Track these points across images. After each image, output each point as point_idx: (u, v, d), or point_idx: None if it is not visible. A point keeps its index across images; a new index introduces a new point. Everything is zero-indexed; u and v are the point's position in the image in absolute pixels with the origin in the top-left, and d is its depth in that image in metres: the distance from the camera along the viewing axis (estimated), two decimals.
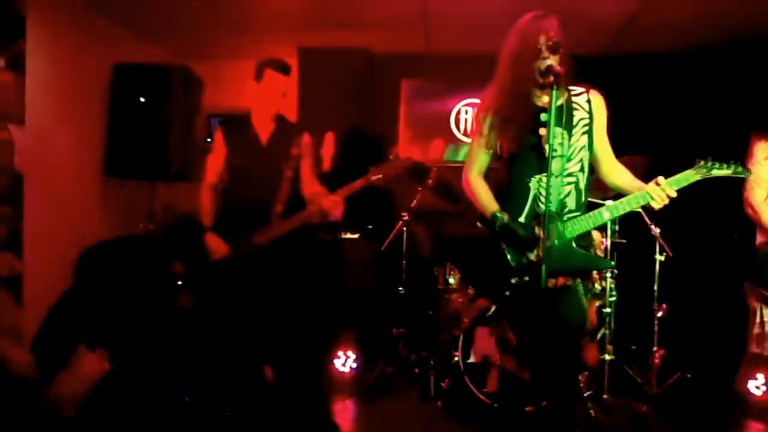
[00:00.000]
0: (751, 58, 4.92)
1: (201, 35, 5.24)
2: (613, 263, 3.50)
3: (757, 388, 3.65)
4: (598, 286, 3.57)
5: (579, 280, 2.44)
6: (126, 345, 3.58)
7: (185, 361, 3.41)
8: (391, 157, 3.18)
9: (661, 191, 2.29)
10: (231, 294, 3.12)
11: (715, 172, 2.32)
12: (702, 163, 2.32)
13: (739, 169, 2.33)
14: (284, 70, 3.21)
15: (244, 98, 3.43)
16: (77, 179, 4.46)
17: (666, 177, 2.34)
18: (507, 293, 2.42)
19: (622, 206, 2.39)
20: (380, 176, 3.13)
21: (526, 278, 2.34)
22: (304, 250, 4.26)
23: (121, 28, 4.85)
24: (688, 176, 2.33)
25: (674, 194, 2.31)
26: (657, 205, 2.32)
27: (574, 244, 2.38)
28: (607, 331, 3.76)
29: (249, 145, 3.25)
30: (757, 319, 2.95)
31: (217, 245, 3.16)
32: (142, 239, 4.52)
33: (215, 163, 3.30)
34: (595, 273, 2.68)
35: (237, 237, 3.16)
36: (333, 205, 3.10)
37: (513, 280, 2.39)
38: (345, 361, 4.17)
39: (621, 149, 2.64)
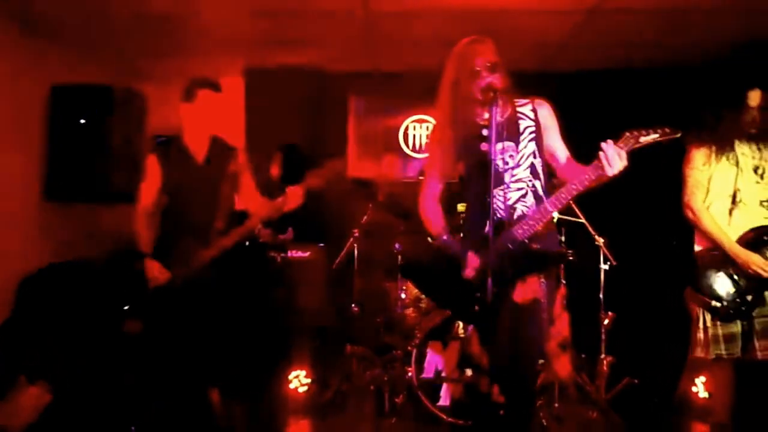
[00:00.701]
0: (685, 72, 5.14)
1: (146, 55, 5.16)
2: (567, 253, 3.53)
3: (700, 390, 3.77)
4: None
5: (543, 298, 2.47)
6: (69, 375, 3.46)
7: (130, 388, 3.32)
8: (325, 162, 3.18)
9: (609, 152, 2.22)
10: (175, 318, 3.06)
11: (644, 140, 2.27)
12: (628, 134, 2.28)
13: (667, 130, 2.28)
14: (216, 87, 3.19)
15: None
16: (16, 204, 4.30)
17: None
18: (476, 308, 2.44)
19: (564, 194, 2.34)
20: (317, 180, 3.12)
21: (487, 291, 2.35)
22: (253, 269, 4.23)
23: (62, 49, 4.73)
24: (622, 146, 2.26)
25: (623, 155, 2.24)
26: (609, 169, 2.23)
27: (529, 245, 2.42)
28: None
29: (185, 165, 3.22)
30: (700, 325, 3.02)
31: (156, 271, 3.11)
32: (84, 265, 4.39)
33: (150, 187, 3.25)
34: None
35: (178, 259, 3.12)
36: (294, 196, 3.09)
37: (478, 294, 2.42)
38: (299, 381, 4.12)
39: None
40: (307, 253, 4.62)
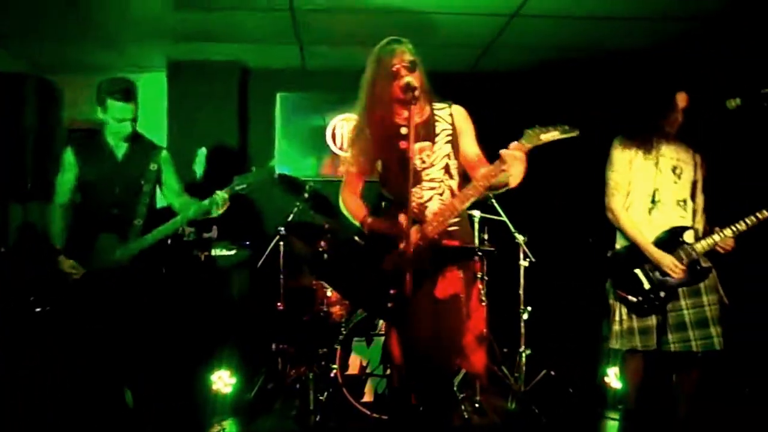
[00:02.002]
0: (609, 73, 5.36)
1: (62, 46, 4.95)
2: (478, 248, 3.62)
3: (612, 380, 3.95)
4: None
5: (463, 294, 2.53)
6: None
7: (44, 385, 3.18)
8: (254, 168, 3.16)
9: (508, 154, 2.29)
10: (88, 315, 2.97)
11: (544, 137, 2.34)
12: (529, 131, 2.35)
13: (566, 127, 2.35)
14: (125, 96, 3.07)
15: None
16: None
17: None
18: (390, 304, 2.47)
19: (471, 190, 2.40)
20: (244, 186, 3.10)
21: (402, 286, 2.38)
22: (177, 267, 4.13)
23: None
24: (523, 145, 2.33)
25: (523, 157, 2.30)
26: (509, 170, 2.28)
27: (440, 241, 2.46)
28: None
29: (104, 161, 3.14)
30: (616, 318, 3.16)
31: (69, 269, 3.00)
32: None
33: (65, 182, 3.16)
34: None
35: (95, 256, 3.03)
36: (223, 203, 3.07)
37: (392, 291, 2.45)
38: (222, 380, 4.06)
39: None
40: (232, 252, 4.56)
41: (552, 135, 2.35)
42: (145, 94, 3.42)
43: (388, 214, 2.58)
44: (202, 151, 4.59)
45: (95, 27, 4.53)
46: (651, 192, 3.09)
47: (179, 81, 5.34)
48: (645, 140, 3.10)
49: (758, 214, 2.94)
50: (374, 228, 2.56)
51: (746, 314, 3.67)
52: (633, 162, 3.11)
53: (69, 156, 3.15)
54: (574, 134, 2.38)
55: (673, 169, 3.11)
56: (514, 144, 2.33)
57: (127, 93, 3.08)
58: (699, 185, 3.17)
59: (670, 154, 3.11)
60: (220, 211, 3.10)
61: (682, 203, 3.11)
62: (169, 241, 3.79)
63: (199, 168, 4.60)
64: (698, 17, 4.31)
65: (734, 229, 2.97)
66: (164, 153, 3.29)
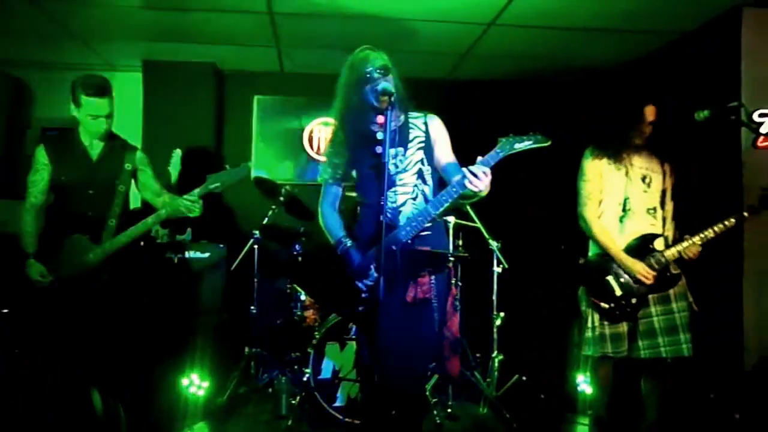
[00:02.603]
0: (583, 84, 5.45)
1: (36, 43, 4.88)
2: (450, 254, 3.64)
3: (583, 387, 4.00)
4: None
5: (434, 299, 2.54)
6: None
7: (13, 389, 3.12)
8: (227, 166, 3.14)
9: (473, 170, 2.31)
10: (58, 316, 2.93)
11: (518, 146, 2.38)
12: (504, 140, 2.39)
13: (539, 137, 2.40)
14: (100, 92, 3.03)
15: None
16: None
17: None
18: (360, 309, 2.49)
19: (443, 198, 2.42)
20: (218, 185, 3.08)
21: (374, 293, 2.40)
22: (150, 270, 4.09)
23: None
24: (495, 155, 2.37)
25: (488, 173, 2.32)
26: (473, 186, 2.31)
27: (412, 246, 2.49)
28: None
29: (78, 161, 3.09)
30: (589, 324, 3.20)
31: (39, 275, 2.97)
32: None
33: (38, 182, 3.10)
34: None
35: (66, 258, 2.99)
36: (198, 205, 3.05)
37: (364, 295, 2.47)
38: (194, 383, 4.02)
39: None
40: (206, 254, 4.53)
41: (525, 144, 2.40)
42: (120, 94, 3.39)
43: (362, 222, 2.59)
44: (177, 153, 4.55)
45: (67, 24, 4.47)
46: (622, 200, 3.16)
47: (155, 81, 5.30)
48: (615, 151, 3.17)
49: (726, 222, 3.02)
50: (346, 255, 2.56)
51: (712, 319, 3.76)
52: (604, 172, 3.18)
53: (41, 155, 3.10)
54: (546, 144, 2.43)
55: (643, 178, 3.17)
56: (478, 160, 2.35)
57: (102, 89, 3.04)
58: (668, 193, 3.24)
59: (639, 163, 3.18)
60: (197, 211, 3.06)
61: (652, 211, 3.17)
62: (142, 243, 3.77)
63: (174, 170, 4.56)
64: (672, 32, 4.42)
65: (702, 236, 3.04)
66: (139, 153, 3.26)
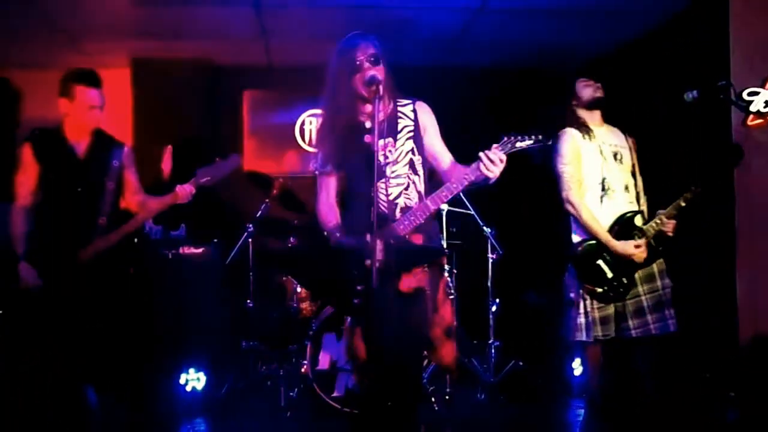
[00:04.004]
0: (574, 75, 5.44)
1: (25, 42, 4.84)
2: (446, 251, 3.65)
3: (577, 371, 4.03)
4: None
5: (428, 287, 2.54)
6: None
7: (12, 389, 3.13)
8: (218, 159, 3.13)
9: (490, 156, 2.32)
10: (50, 316, 2.92)
11: (519, 145, 2.40)
12: (506, 138, 2.40)
13: (540, 137, 2.43)
14: (94, 82, 3.03)
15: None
16: None
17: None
18: (356, 301, 2.48)
19: (453, 186, 2.42)
20: (208, 178, 3.07)
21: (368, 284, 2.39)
22: (144, 266, 4.08)
23: None
24: (504, 147, 2.38)
25: (504, 159, 2.34)
26: (488, 172, 2.32)
27: (410, 240, 2.48)
28: None
29: (65, 159, 3.06)
30: (581, 310, 3.20)
31: (30, 279, 2.95)
32: None
33: (26, 182, 3.06)
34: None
35: (56, 257, 2.97)
36: (183, 193, 3.03)
37: (359, 287, 2.46)
38: (192, 379, 4.03)
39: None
40: (200, 250, 4.52)
41: (527, 143, 2.42)
42: (108, 92, 3.36)
43: (354, 213, 2.58)
44: (168, 150, 4.53)
45: (58, 25, 4.44)
46: (600, 180, 3.16)
47: (145, 78, 5.27)
48: (579, 126, 3.18)
49: (693, 188, 3.03)
50: (340, 244, 2.55)
51: (706, 298, 3.79)
52: (582, 150, 3.17)
53: (27, 154, 3.08)
54: (547, 143, 2.46)
55: (615, 155, 3.19)
56: (494, 148, 2.36)
57: (96, 79, 3.04)
58: (636, 168, 3.26)
59: (609, 140, 3.20)
60: (182, 201, 3.05)
61: (626, 188, 3.19)
62: (135, 240, 3.76)
63: (165, 166, 4.55)
64: (661, 12, 4.41)
65: (674, 206, 3.05)
66: (126, 149, 3.23)
